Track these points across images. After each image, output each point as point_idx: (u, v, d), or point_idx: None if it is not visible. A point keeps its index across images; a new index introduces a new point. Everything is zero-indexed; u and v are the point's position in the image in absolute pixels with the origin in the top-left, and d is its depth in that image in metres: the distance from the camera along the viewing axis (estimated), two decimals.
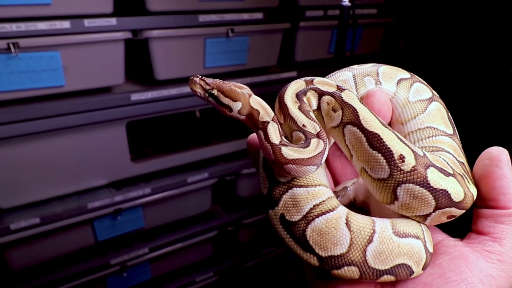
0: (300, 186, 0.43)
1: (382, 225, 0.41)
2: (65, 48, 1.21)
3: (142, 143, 1.72)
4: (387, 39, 2.01)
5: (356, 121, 0.42)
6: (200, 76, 0.47)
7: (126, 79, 1.41)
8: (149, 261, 1.73)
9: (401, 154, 0.39)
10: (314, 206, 0.42)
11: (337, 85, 0.45)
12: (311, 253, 0.40)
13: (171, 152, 1.65)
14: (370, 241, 0.40)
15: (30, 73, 1.19)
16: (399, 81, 0.51)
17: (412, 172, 0.39)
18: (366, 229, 0.40)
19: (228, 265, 1.95)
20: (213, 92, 0.46)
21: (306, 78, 0.47)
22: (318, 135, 0.43)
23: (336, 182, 0.53)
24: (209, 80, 0.46)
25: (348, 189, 0.51)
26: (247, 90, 0.47)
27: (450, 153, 0.46)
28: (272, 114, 0.46)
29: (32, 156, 1.32)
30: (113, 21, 1.23)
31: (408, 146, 0.40)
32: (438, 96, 0.52)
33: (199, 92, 0.46)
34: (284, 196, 0.43)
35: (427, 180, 0.39)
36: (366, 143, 0.41)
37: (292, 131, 0.45)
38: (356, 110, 0.42)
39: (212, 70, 1.53)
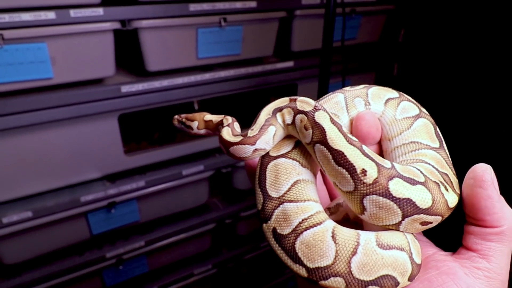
0: (291, 201, 0.46)
1: (367, 237, 0.43)
2: (51, 39, 1.18)
3: (138, 135, 1.71)
4: (388, 27, 1.96)
5: (323, 140, 0.45)
6: (179, 115, 0.62)
7: (117, 70, 1.39)
8: (145, 254, 1.72)
9: (363, 169, 0.42)
10: (303, 220, 0.45)
11: (315, 105, 0.48)
12: (300, 264, 0.43)
13: (166, 144, 1.63)
14: (354, 253, 0.42)
15: (17, 65, 1.17)
16: (387, 101, 0.55)
17: (374, 185, 0.42)
18: (350, 241, 0.42)
19: (226, 257, 1.94)
20: (182, 120, 0.61)
21: (294, 97, 0.51)
22: (243, 137, 0.50)
23: (332, 198, 0.58)
24: (183, 115, 0.61)
25: (342, 205, 0.54)
26: (204, 113, 0.60)
27: (431, 164, 0.48)
28: (230, 120, 0.55)
29: (23, 149, 1.31)
30: (100, 11, 1.21)
31: (373, 160, 0.43)
32: (427, 113, 0.54)
33: (176, 124, 0.62)
34: (276, 210, 0.46)
35: (389, 191, 0.42)
36: (332, 160, 0.44)
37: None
38: (324, 130, 0.45)
39: (205, 60, 1.50)
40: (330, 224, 0.44)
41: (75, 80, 1.30)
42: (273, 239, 0.45)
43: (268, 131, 0.50)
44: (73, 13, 1.17)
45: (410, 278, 0.42)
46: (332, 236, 0.43)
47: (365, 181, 0.42)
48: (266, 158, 0.50)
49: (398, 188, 0.42)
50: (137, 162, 1.55)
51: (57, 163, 1.39)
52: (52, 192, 1.43)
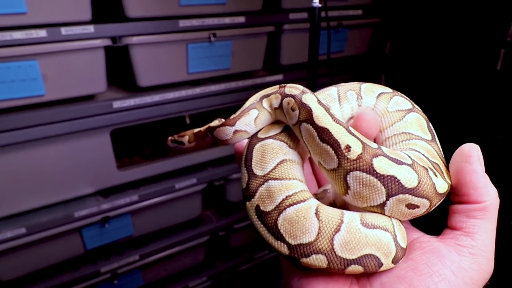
0: (275, 178, 0.46)
1: (351, 216, 0.42)
2: (43, 57, 1.21)
3: (131, 150, 1.72)
4: (375, 40, 2.00)
5: (309, 119, 0.45)
6: (173, 135, 0.64)
7: (108, 86, 1.41)
8: (140, 268, 1.72)
9: (347, 145, 0.42)
10: (286, 197, 0.44)
11: (303, 89, 0.49)
12: (281, 241, 0.42)
13: (158, 159, 1.65)
14: (337, 230, 0.41)
15: (9, 83, 1.19)
16: (379, 95, 0.55)
17: (358, 160, 0.41)
18: (334, 219, 0.42)
19: (221, 269, 1.94)
20: (174, 139, 0.63)
21: (283, 84, 0.51)
22: (226, 120, 0.52)
23: (320, 186, 0.57)
24: (176, 135, 0.63)
25: (328, 191, 0.53)
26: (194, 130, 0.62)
27: (421, 153, 0.47)
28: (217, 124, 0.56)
29: (16, 166, 1.32)
30: (90, 28, 1.23)
31: (358, 138, 0.43)
32: (420, 109, 0.54)
33: (170, 145, 0.64)
34: (260, 188, 0.45)
35: (372, 167, 0.41)
36: (317, 138, 0.44)
37: None
38: (311, 109, 0.46)
39: (196, 75, 1.53)
40: (314, 202, 0.44)
41: (67, 97, 1.32)
42: (255, 216, 0.45)
43: (249, 114, 0.51)
44: (64, 31, 1.19)
45: (394, 261, 0.42)
46: (316, 213, 0.42)
47: (348, 156, 0.42)
48: (254, 139, 0.50)
49: (382, 165, 0.41)
50: (130, 177, 1.57)
51: (50, 179, 1.40)
52: (45, 208, 1.44)
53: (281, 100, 0.49)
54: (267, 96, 0.51)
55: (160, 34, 1.37)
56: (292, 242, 0.42)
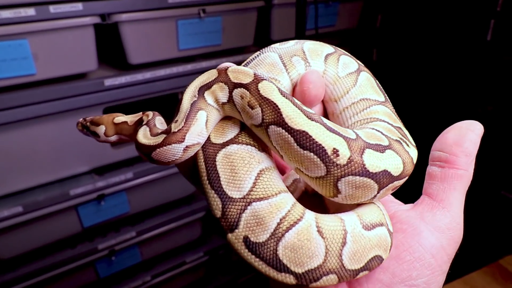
0: (260, 199, 0.38)
1: (351, 221, 0.39)
2: (32, 35, 1.21)
3: None
4: (365, 14, 2.00)
5: (279, 121, 0.38)
6: (84, 118, 0.50)
7: (99, 65, 1.41)
8: (137, 244, 1.75)
9: (334, 148, 0.37)
10: (280, 220, 0.38)
11: (254, 73, 0.40)
12: (286, 272, 0.37)
13: None
14: (344, 243, 0.38)
15: (0, 62, 1.20)
16: (326, 57, 0.48)
17: (349, 164, 0.37)
18: (337, 231, 0.38)
19: (217, 245, 1.98)
20: (86, 124, 0.49)
21: (222, 65, 0.42)
22: (168, 134, 0.40)
23: (282, 170, 0.52)
24: (89, 118, 0.49)
25: (299, 181, 0.49)
26: (116, 114, 0.48)
27: (385, 121, 0.45)
28: (150, 116, 0.45)
29: (10, 145, 1.33)
30: (79, 6, 1.23)
31: (338, 133, 0.38)
32: (363, 65, 0.50)
33: (80, 130, 0.51)
34: (244, 214, 0.38)
35: (365, 168, 0.38)
36: (295, 144, 0.37)
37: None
38: (277, 106, 0.38)
39: (186, 52, 1.53)
40: (310, 216, 0.39)
41: (58, 76, 1.33)
42: (246, 250, 0.38)
43: (197, 119, 0.40)
44: (52, 9, 1.19)
45: (390, 251, 0.41)
46: (318, 231, 0.38)
47: (338, 162, 0.37)
48: (209, 148, 0.41)
49: (372, 162, 0.38)
50: (124, 155, 1.58)
51: (45, 158, 1.41)
52: (41, 187, 1.46)
53: (230, 92, 0.40)
54: (208, 87, 0.41)
55: (149, 11, 1.37)
56: (299, 270, 0.37)
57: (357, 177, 0.38)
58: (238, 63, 1.45)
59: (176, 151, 0.40)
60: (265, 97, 0.38)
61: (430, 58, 1.90)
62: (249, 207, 0.38)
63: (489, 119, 1.74)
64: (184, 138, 0.39)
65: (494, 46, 1.66)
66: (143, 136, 0.42)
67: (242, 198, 0.38)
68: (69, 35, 1.27)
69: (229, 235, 0.38)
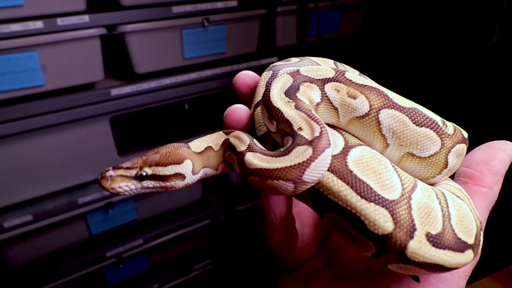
0: (413, 188, 0.36)
1: (456, 201, 0.38)
2: (41, 48, 1.23)
3: (131, 137, 1.75)
4: (368, 19, 2.01)
5: (390, 103, 0.37)
6: (112, 167, 0.36)
7: (106, 75, 1.44)
8: (145, 251, 1.77)
9: (442, 120, 0.38)
10: (438, 199, 0.36)
11: (332, 68, 0.39)
12: (466, 248, 0.35)
13: (158, 145, 1.67)
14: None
15: (10, 74, 1.22)
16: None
17: (455, 132, 0.38)
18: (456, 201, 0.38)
19: (224, 251, 1.99)
20: (145, 172, 0.36)
21: (289, 70, 0.39)
22: (311, 142, 0.33)
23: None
24: (128, 163, 0.36)
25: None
26: (183, 144, 0.38)
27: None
28: (248, 139, 0.38)
29: (20, 155, 1.36)
30: (85, 18, 1.26)
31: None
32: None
33: (125, 186, 0.36)
34: (413, 212, 0.34)
35: (463, 134, 0.39)
36: (411, 123, 0.36)
37: (284, 137, 0.36)
38: (380, 90, 0.37)
39: (191, 60, 1.55)
40: (442, 187, 0.39)
41: (66, 86, 1.35)
42: (433, 248, 0.33)
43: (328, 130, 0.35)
44: (60, 21, 1.22)
45: None
46: (455, 199, 0.37)
47: (449, 132, 0.37)
48: (333, 161, 0.35)
49: (462, 130, 0.40)
50: None
51: (53, 167, 1.44)
52: (50, 196, 1.48)
53: (321, 89, 0.38)
54: (295, 89, 0.38)
55: (154, 21, 1.40)
56: (471, 241, 0.35)
57: (461, 144, 0.38)
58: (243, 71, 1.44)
59: (329, 159, 0.33)
60: (363, 85, 0.37)
61: (436, 61, 1.90)
62: (411, 202, 0.34)
63: (495, 122, 1.74)
64: (329, 141, 0.34)
65: (499, 48, 1.66)
66: (253, 156, 0.35)
67: (401, 196, 0.34)
68: (76, 46, 1.30)
69: (411, 243, 0.32)
